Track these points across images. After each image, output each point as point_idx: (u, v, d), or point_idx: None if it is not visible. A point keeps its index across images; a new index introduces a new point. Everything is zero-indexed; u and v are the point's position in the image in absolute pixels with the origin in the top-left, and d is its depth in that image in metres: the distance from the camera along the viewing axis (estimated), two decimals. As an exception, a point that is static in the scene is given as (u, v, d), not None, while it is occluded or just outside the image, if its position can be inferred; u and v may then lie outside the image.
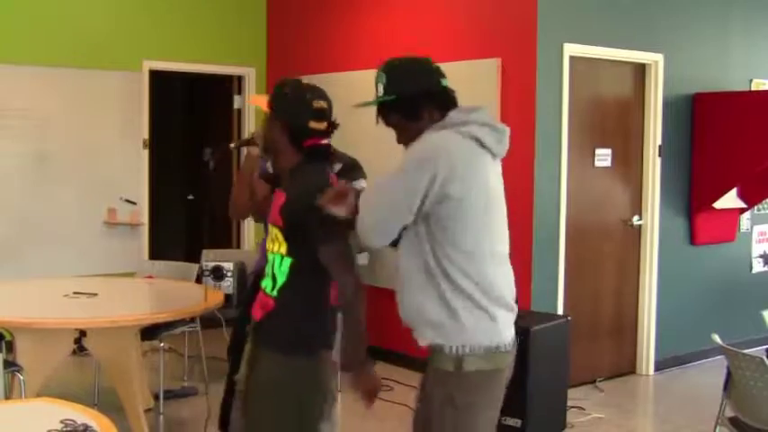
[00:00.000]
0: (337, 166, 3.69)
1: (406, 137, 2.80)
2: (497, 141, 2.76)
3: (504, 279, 2.78)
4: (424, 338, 2.73)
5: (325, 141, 3.00)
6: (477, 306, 2.67)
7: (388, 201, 2.66)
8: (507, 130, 2.80)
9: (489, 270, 2.70)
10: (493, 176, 2.76)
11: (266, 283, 3.00)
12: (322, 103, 3.00)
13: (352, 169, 3.72)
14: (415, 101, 2.77)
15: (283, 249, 2.93)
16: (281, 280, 2.95)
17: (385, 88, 2.81)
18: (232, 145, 3.84)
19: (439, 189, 2.61)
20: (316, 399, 2.95)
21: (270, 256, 3.00)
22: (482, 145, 2.71)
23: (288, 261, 2.92)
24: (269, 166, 3.87)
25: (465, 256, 2.66)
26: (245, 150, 3.76)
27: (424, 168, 2.61)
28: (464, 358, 2.65)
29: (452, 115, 2.75)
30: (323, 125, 2.98)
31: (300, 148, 2.97)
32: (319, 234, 2.84)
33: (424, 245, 2.68)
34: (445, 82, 2.83)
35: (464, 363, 2.65)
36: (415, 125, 2.77)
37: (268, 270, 3.00)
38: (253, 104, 3.35)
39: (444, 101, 2.79)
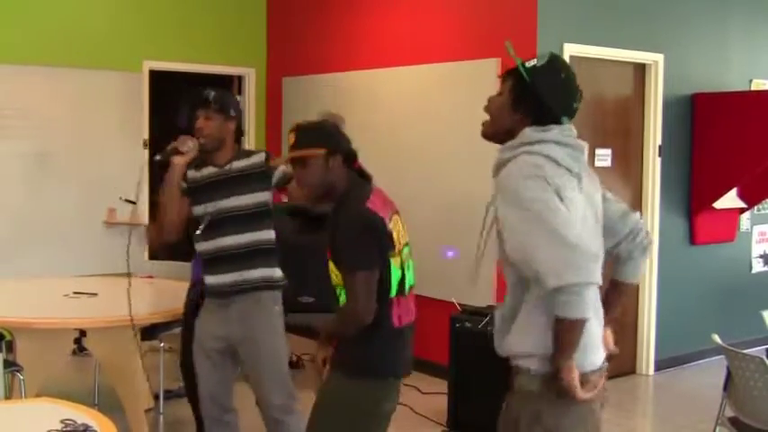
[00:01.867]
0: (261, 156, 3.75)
1: (496, 125, 2.66)
2: (575, 160, 2.58)
3: None
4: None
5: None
6: None
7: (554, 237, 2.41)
8: (582, 146, 2.61)
9: None
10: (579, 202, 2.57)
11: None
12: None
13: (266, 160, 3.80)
14: (543, 109, 2.58)
15: (341, 281, 3.01)
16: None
17: (533, 69, 2.59)
18: (158, 157, 3.80)
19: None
20: (369, 423, 3.05)
21: (337, 290, 3.08)
22: (558, 164, 2.54)
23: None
24: (182, 184, 3.84)
25: None
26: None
27: (541, 184, 2.46)
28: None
29: (528, 133, 2.57)
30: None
31: (352, 170, 3.09)
32: (345, 261, 2.94)
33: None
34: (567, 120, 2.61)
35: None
36: (512, 119, 2.61)
37: (340, 303, 3.09)
38: (285, 164, 3.34)
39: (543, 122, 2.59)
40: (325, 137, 3.08)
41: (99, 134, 7.08)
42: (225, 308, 3.80)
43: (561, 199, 2.46)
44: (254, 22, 7.91)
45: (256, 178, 3.73)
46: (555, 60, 2.64)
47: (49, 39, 6.83)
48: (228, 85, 7.99)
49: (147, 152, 7.27)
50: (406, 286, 3.07)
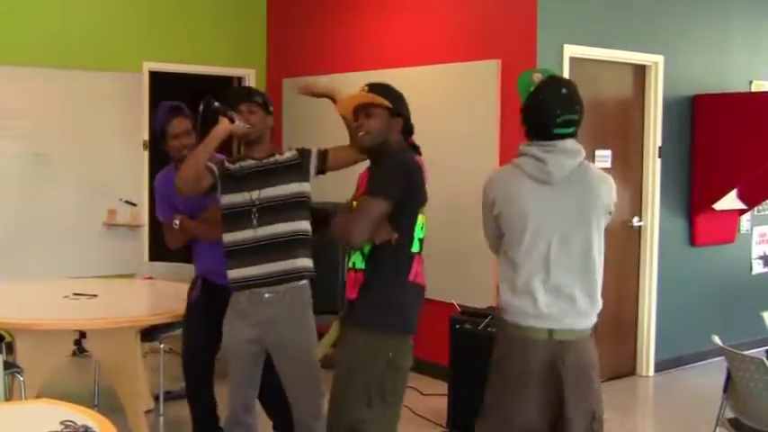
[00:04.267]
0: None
1: None
2: (539, 170, 3.03)
3: None
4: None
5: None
6: None
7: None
8: (549, 159, 3.04)
9: None
10: (539, 200, 3.03)
11: (355, 259, 3.16)
12: None
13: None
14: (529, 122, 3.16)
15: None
16: (366, 250, 3.13)
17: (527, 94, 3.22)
18: (217, 104, 3.82)
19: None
20: (391, 376, 3.15)
21: (350, 253, 3.17)
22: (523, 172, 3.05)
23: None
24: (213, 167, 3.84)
25: None
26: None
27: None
28: None
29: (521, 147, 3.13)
30: None
31: (406, 143, 3.27)
32: (372, 184, 3.10)
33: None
34: (560, 118, 3.09)
35: None
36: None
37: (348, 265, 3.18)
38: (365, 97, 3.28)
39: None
40: (394, 97, 3.27)
41: (99, 135, 7.08)
42: (258, 306, 3.73)
43: (494, 204, 3.06)
44: (254, 23, 7.91)
45: (295, 170, 3.78)
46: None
47: (49, 40, 6.83)
48: (228, 86, 7.99)
49: (147, 153, 7.28)
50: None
